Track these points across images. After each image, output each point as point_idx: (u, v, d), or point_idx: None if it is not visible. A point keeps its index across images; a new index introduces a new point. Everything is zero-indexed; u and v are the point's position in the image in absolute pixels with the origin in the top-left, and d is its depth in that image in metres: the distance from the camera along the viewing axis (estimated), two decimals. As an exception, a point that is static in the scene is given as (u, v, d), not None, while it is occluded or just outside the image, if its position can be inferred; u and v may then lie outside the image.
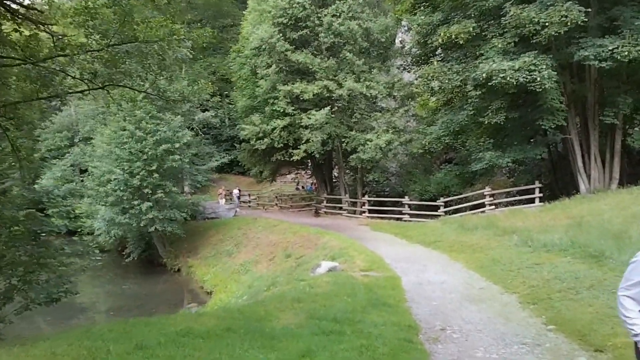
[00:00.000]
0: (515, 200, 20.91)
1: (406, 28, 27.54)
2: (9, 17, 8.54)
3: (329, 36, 25.11)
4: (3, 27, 8.90)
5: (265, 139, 26.82)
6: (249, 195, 38.57)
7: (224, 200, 35.64)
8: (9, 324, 9.83)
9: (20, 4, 9.17)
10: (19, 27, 8.44)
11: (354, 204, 27.66)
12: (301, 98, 25.27)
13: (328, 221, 25.83)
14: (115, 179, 24.83)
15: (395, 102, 28.41)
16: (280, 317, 6.98)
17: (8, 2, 8.82)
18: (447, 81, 20.30)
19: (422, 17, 21.54)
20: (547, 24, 16.66)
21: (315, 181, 35.80)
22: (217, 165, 36.17)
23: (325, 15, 25.20)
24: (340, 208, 28.15)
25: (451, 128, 21.36)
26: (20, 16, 8.72)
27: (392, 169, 31.06)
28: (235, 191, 35.58)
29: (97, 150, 28.39)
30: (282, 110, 25.92)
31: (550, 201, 18.91)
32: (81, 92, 9.80)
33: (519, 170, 25.01)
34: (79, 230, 33.87)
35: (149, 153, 24.94)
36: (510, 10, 17.63)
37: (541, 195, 19.81)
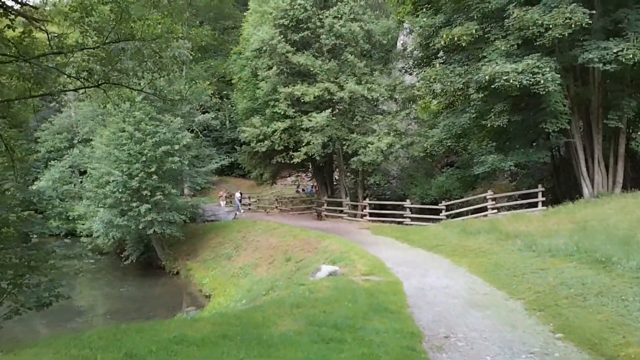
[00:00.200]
0: (517, 204, 20.66)
1: (408, 30, 27.36)
2: (2, 14, 8.33)
3: (330, 38, 24.92)
4: (-3, 23, 8.71)
5: (266, 142, 26.59)
6: (249, 197, 38.35)
7: (224, 202, 35.43)
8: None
9: (15, 0, 8.97)
10: (12, 24, 8.23)
11: (354, 207, 27.43)
12: (302, 100, 25.05)
13: (329, 224, 25.59)
14: (114, 181, 24.61)
15: (396, 105, 28.23)
16: (279, 324, 6.73)
17: (2, -1, 8.62)
18: (449, 84, 20.06)
19: (424, 19, 21.33)
20: (550, 26, 16.43)
21: (315, 184, 35.57)
22: (217, 167, 35.97)
23: (326, 16, 25.02)
24: (341, 211, 27.92)
25: (453, 131, 21.12)
26: (13, 12, 8.51)
27: (393, 172, 30.84)
28: (237, 194, 35.37)
29: (96, 152, 28.20)
30: (282, 113, 25.70)
31: (553, 205, 18.67)
32: (76, 90, 9.58)
33: (521, 174, 24.77)
34: (78, 232, 33.70)
35: (148, 155, 24.73)
36: (513, 12, 17.42)
37: (544, 199, 19.57)
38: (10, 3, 8.83)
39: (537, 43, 17.15)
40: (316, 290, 9.55)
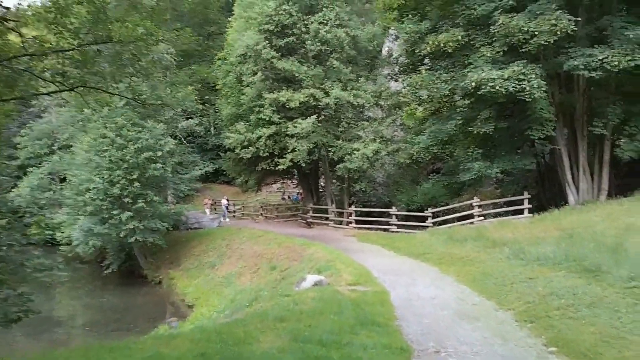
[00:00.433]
0: (503, 211, 20.59)
1: (394, 36, 27.31)
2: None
3: (316, 44, 24.74)
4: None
5: (251, 148, 26.27)
6: (234, 205, 37.89)
7: (209, 210, 34.91)
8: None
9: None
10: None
11: (340, 214, 27.18)
12: (287, 106, 24.81)
13: (314, 232, 25.30)
14: (94, 188, 24.08)
15: (382, 112, 28.11)
16: (261, 340, 6.40)
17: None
18: (435, 90, 19.97)
19: (410, 26, 21.23)
20: (536, 32, 16.44)
21: (301, 191, 35.27)
22: (201, 174, 35.45)
23: (312, 22, 24.84)
24: (327, 218, 27.65)
25: (439, 137, 21.00)
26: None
27: (379, 179, 30.68)
28: (224, 201, 34.88)
29: (76, 158, 27.58)
30: (267, 119, 25.42)
31: (538, 212, 18.61)
32: (49, 94, 9.19)
33: (506, 181, 24.76)
34: (58, 240, 32.91)
35: (130, 161, 24.24)
36: (499, 19, 17.39)
37: (530, 206, 19.52)
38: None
39: (523, 50, 17.15)
40: (301, 301, 9.24)
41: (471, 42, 19.09)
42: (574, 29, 16.30)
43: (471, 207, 20.78)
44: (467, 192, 25.00)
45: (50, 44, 8.97)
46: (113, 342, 6.88)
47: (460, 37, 18.83)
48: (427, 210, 22.05)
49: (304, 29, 25.10)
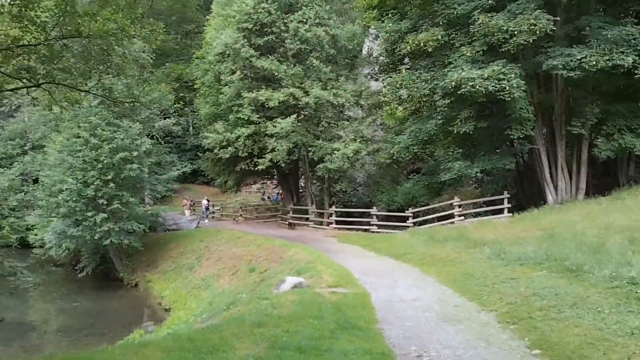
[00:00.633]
0: (483, 211, 20.62)
1: (374, 36, 27.20)
2: None
3: (295, 42, 24.47)
4: None
5: (229, 148, 25.88)
6: (213, 205, 37.34)
7: (189, 211, 34.31)
8: None
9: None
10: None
11: (321, 214, 26.94)
12: (266, 106, 24.49)
13: (294, 232, 25.03)
14: (67, 189, 23.35)
15: (362, 111, 27.97)
16: (237, 347, 6.11)
17: None
18: (415, 89, 19.89)
19: (390, 25, 21.14)
20: (515, 32, 16.46)
21: (281, 191, 34.93)
22: (178, 174, 34.80)
23: (291, 21, 24.57)
24: (307, 219, 27.38)
25: (419, 137, 20.93)
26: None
27: (360, 179, 30.54)
28: (204, 201, 34.31)
29: (48, 159, 26.77)
30: (246, 118, 25.05)
31: (518, 212, 18.67)
32: (13, 90, 8.74)
33: (486, 181, 24.85)
34: (31, 243, 31.99)
35: (105, 162, 23.59)
36: (478, 19, 17.37)
37: (509, 205, 19.58)
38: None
39: (502, 49, 17.16)
40: (280, 305, 8.97)
41: (451, 42, 19.07)
42: (553, 28, 16.36)
43: (451, 206, 20.77)
44: (447, 192, 25.04)
45: (15, 38, 8.53)
46: (78, 351, 6.50)
47: (440, 37, 18.78)
48: (407, 210, 21.97)
49: (283, 28, 24.81)
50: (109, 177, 23.60)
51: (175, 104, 33.95)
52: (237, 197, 38.67)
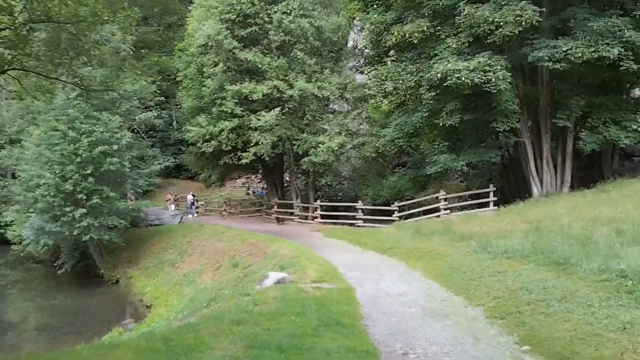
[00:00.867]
0: (469, 204, 20.50)
1: (359, 28, 26.89)
2: None
3: (279, 34, 24.03)
4: None
5: (213, 142, 25.38)
6: (197, 200, 36.85)
7: (173, 206, 33.77)
8: None
9: None
10: None
11: (305, 209, 26.64)
12: (250, 98, 24.03)
13: (279, 227, 24.72)
14: (44, 184, 22.70)
15: (347, 104, 27.68)
16: (214, 347, 5.79)
17: None
18: (400, 82, 19.64)
19: (375, 16, 20.84)
20: (501, 23, 16.26)
21: (266, 186, 34.55)
22: (160, 168, 34.19)
23: (275, 12, 24.10)
24: (292, 213, 27.06)
25: (405, 130, 20.71)
26: None
27: (345, 173, 30.30)
28: (190, 196, 33.75)
29: (25, 153, 26.02)
30: (230, 111, 24.56)
31: (503, 205, 18.57)
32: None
33: (471, 174, 24.77)
34: (10, 239, 31.26)
35: (84, 155, 22.97)
36: (464, 10, 17.14)
37: (495, 199, 19.48)
38: None
39: (488, 41, 16.97)
40: (261, 301, 8.66)
41: (437, 33, 18.84)
42: (539, 19, 16.20)
43: (437, 200, 20.61)
44: (432, 186, 24.90)
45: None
46: (43, 353, 6.13)
47: (425, 28, 18.54)
48: (393, 204, 21.78)
49: (266, 19, 24.34)
50: (88, 171, 23.01)
51: (156, 96, 33.29)
52: (221, 192, 38.22)
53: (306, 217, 26.02)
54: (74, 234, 23.24)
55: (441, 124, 18.70)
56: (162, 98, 38.07)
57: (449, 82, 16.74)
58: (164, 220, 30.98)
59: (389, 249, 14.85)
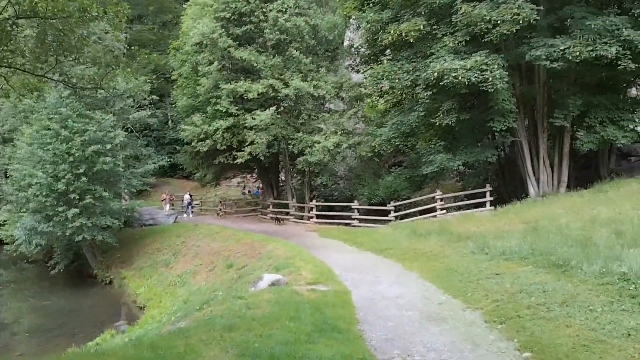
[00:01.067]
0: (465, 204, 20.36)
1: (355, 26, 26.68)
2: None
3: (275, 33, 23.81)
4: None
5: (208, 141, 25.20)
6: (193, 200, 36.54)
7: (168, 205, 33.47)
8: None
9: None
10: None
11: (301, 208, 26.43)
12: (245, 97, 23.83)
13: (274, 227, 24.50)
14: (37, 183, 22.37)
15: (343, 104, 27.47)
16: (204, 354, 5.58)
17: None
18: (397, 81, 19.44)
19: (371, 14, 20.62)
20: (498, 22, 16.10)
21: (261, 185, 34.31)
22: (157, 168, 33.87)
23: (270, 10, 23.90)
24: (287, 213, 26.84)
25: (401, 130, 20.52)
26: None
27: (341, 173, 30.10)
28: (186, 196, 33.45)
29: (17, 152, 25.68)
30: (225, 110, 24.35)
31: (499, 205, 18.43)
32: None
33: (468, 174, 24.62)
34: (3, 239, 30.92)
35: (76, 155, 22.65)
36: (461, 8, 16.97)
37: (492, 199, 19.34)
38: None
39: (485, 40, 16.83)
40: (255, 305, 8.45)
41: (433, 32, 18.66)
42: (536, 18, 16.05)
43: (433, 200, 20.45)
44: (429, 185, 24.74)
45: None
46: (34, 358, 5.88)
47: (422, 27, 18.34)
48: (389, 204, 21.61)
49: (262, 17, 24.13)
50: (81, 170, 22.70)
51: (151, 95, 32.99)
52: (217, 191, 37.96)
53: (302, 217, 25.81)
54: (67, 234, 22.94)
55: (437, 124, 18.52)
56: (157, 97, 37.74)
57: (445, 81, 16.57)
58: (159, 220, 30.67)
59: (385, 250, 14.66)
